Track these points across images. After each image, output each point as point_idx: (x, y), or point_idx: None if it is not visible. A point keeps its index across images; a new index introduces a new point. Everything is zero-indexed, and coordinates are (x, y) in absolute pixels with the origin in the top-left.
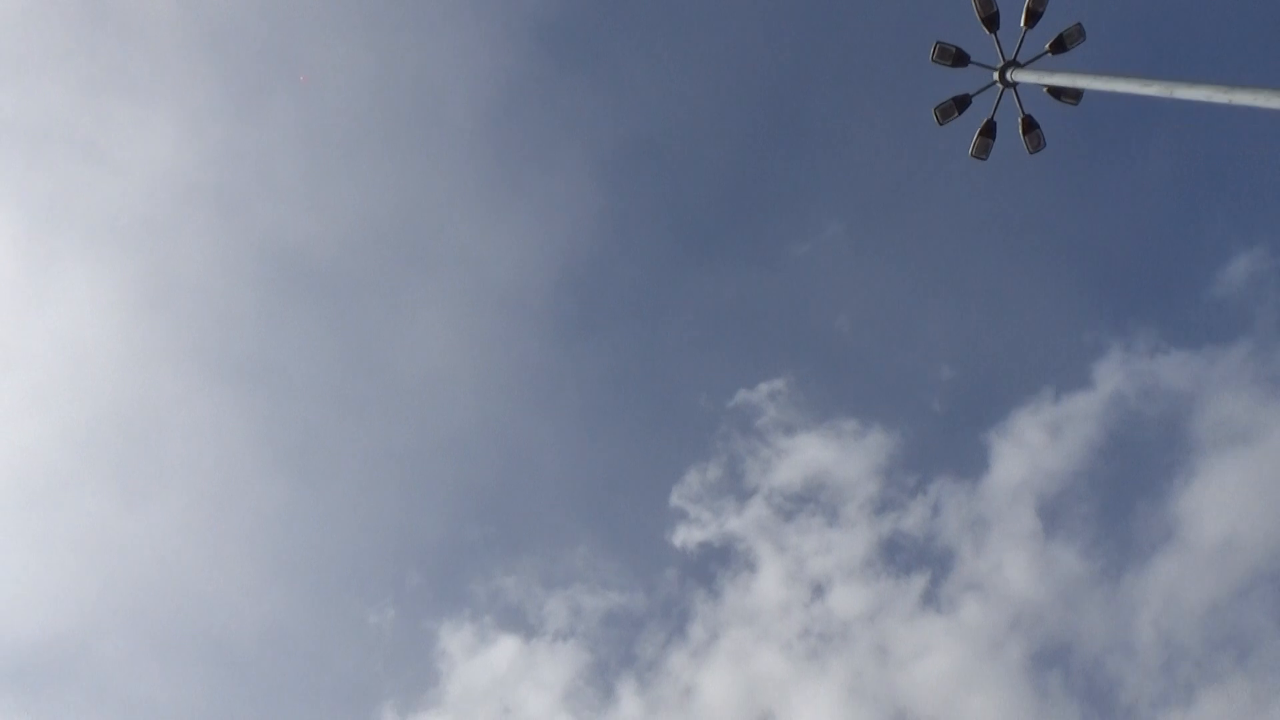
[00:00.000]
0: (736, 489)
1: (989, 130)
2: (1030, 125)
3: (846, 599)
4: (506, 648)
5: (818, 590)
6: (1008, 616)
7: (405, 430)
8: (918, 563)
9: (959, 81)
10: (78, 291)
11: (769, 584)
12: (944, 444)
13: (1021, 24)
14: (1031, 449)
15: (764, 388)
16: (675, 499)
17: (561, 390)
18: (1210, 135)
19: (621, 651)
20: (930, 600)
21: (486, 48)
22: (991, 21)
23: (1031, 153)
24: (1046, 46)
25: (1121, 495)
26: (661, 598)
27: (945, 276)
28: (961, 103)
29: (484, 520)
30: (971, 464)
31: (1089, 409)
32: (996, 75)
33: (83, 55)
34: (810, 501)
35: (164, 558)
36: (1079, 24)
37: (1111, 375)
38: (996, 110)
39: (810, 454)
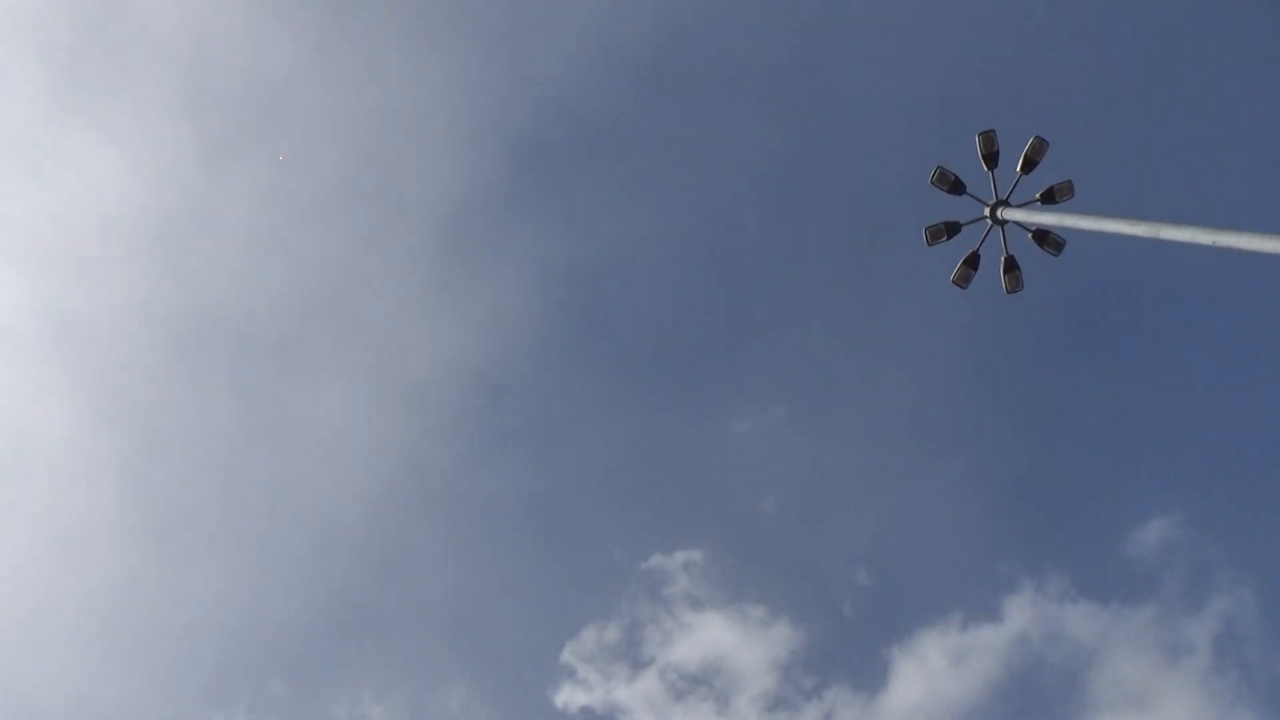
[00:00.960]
0: (632, 656)
1: (973, 261)
2: (1012, 265)
3: None
4: None
5: None
6: None
7: (289, 524)
8: None
9: (940, 217)
10: None
11: None
12: (847, 650)
13: (1017, 169)
14: (932, 673)
15: (680, 556)
16: (567, 654)
17: (466, 511)
18: (1147, 402)
19: None
20: None
21: (457, 155)
22: (991, 159)
23: (1009, 292)
24: (1037, 196)
25: None
26: None
27: (877, 482)
28: (952, 228)
29: (362, 638)
30: (871, 676)
31: (993, 642)
32: (988, 211)
33: (59, 74)
34: (704, 684)
35: None
36: (1070, 180)
37: (1020, 613)
38: (982, 245)
39: (713, 634)
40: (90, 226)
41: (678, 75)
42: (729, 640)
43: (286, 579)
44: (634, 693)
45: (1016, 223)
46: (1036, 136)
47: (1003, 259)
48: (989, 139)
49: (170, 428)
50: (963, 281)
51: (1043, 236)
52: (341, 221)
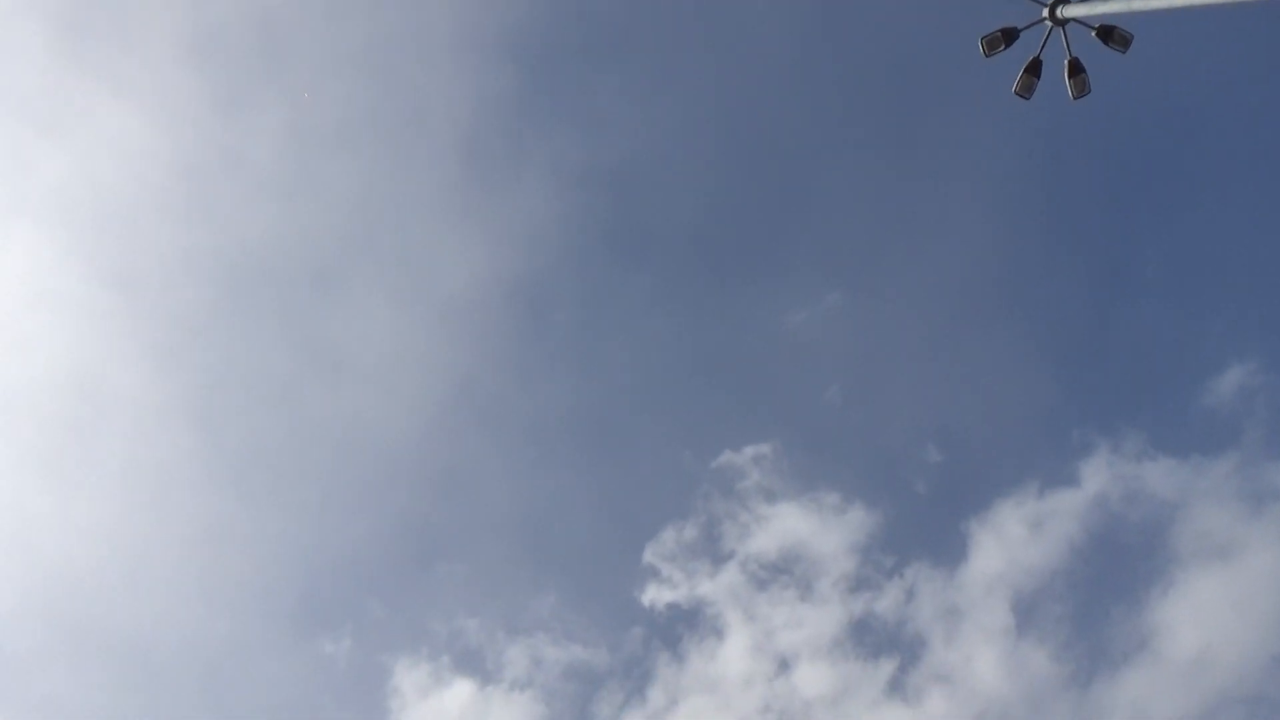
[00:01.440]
0: (712, 552)
1: (1034, 68)
2: (1076, 68)
3: (812, 677)
4: (461, 691)
5: (783, 665)
6: (973, 713)
7: (355, 453)
8: (888, 647)
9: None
10: (19, 272)
11: (735, 654)
12: (925, 527)
13: None
14: (1011, 542)
15: (750, 451)
16: (649, 555)
17: (544, 427)
18: (1213, 243)
19: (578, 708)
20: (897, 688)
21: (468, 66)
22: None
23: (1075, 97)
24: None
25: (1098, 600)
26: (624, 656)
27: (941, 357)
28: (1009, 35)
29: (453, 558)
30: (950, 551)
31: (1072, 507)
32: (1046, 11)
33: (61, 31)
34: (785, 573)
35: (90, 555)
36: None
37: (1097, 475)
38: (1044, 49)
39: (790, 524)
40: (119, 181)
41: None
42: (806, 528)
43: (361, 508)
44: (717, 586)
45: (1078, 20)
46: None
47: (1066, 62)
48: None
49: (228, 369)
50: (1025, 91)
51: (1108, 32)
52: (364, 147)
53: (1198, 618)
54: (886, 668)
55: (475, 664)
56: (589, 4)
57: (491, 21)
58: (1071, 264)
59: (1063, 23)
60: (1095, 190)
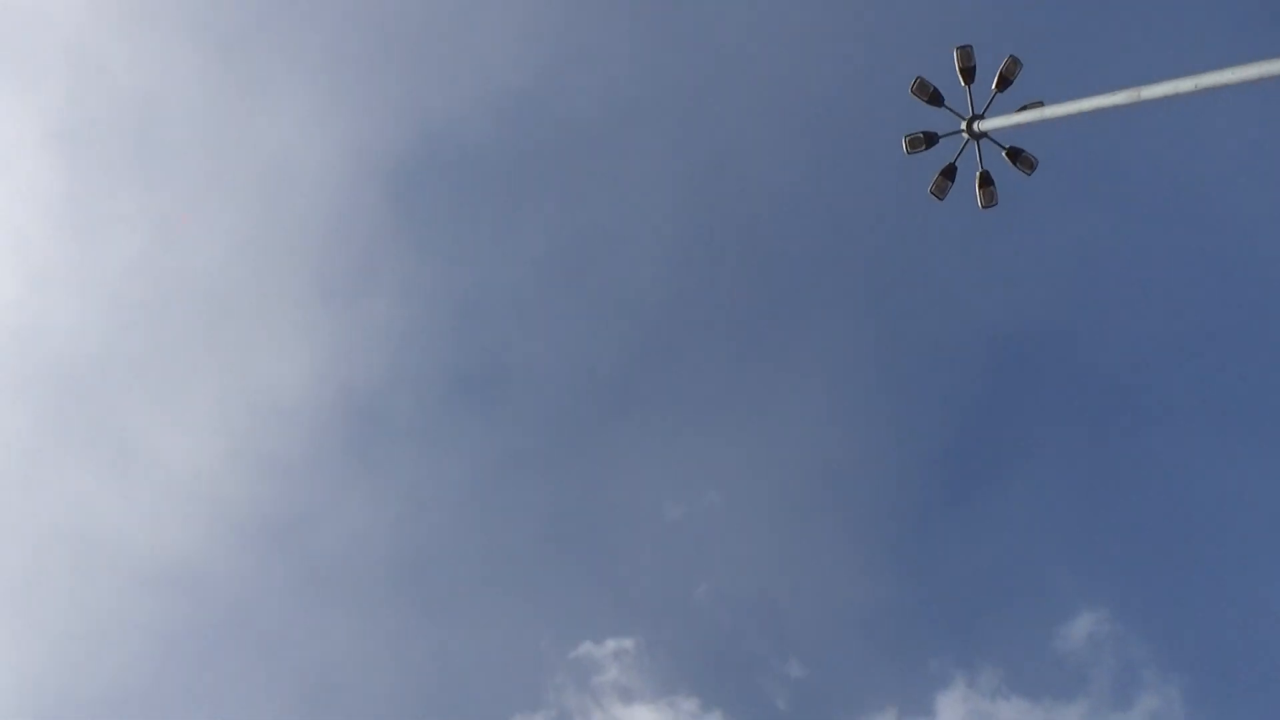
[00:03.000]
0: None
1: (949, 173)
2: (986, 180)
3: None
4: None
5: None
6: None
7: (160, 583)
8: None
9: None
10: None
11: None
12: None
13: (993, 88)
14: None
15: (611, 644)
16: None
17: (379, 576)
18: (1071, 499)
19: None
20: None
21: (336, 185)
22: (969, 74)
23: (984, 207)
24: (1014, 113)
25: None
26: None
27: (812, 572)
28: (930, 138)
29: None
30: None
31: None
32: (964, 125)
33: None
34: None
35: None
36: (1041, 101)
37: (953, 709)
38: (959, 157)
39: None
40: None
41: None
42: None
43: (141, 640)
44: None
45: (991, 138)
46: (1010, 56)
47: (977, 174)
48: (966, 54)
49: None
50: (940, 193)
51: (1015, 154)
52: (213, 248)
53: None
54: None
55: None
56: (467, 136)
57: (365, 143)
58: (942, 499)
59: (978, 137)
60: (966, 426)
